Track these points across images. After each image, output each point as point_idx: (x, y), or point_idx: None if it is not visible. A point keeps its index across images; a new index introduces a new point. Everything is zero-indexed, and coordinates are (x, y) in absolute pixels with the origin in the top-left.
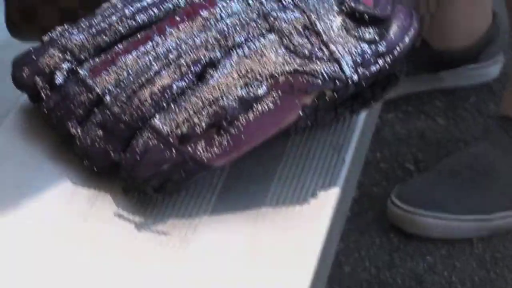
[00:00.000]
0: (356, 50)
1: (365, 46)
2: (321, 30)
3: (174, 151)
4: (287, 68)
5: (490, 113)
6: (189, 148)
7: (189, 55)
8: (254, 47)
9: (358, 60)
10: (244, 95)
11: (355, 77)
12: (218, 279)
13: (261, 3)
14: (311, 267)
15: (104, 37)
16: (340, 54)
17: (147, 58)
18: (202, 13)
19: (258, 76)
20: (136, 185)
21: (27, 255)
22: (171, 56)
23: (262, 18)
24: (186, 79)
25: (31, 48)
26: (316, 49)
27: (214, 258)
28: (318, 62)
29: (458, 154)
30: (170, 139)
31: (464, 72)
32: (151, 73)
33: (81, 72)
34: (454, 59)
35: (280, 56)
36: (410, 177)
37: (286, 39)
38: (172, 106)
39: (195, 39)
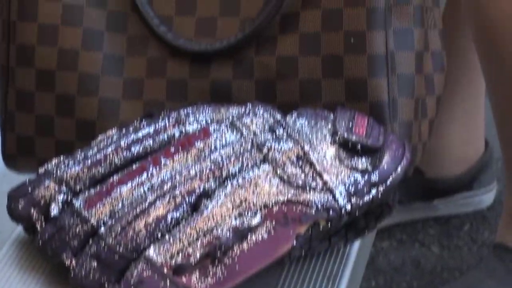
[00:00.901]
0: (349, 180)
1: (358, 176)
2: (314, 160)
3: (168, 282)
4: (281, 198)
5: (484, 241)
6: (184, 279)
7: (184, 186)
8: (248, 177)
9: (351, 189)
10: (238, 225)
11: (349, 206)
12: None
13: (254, 133)
14: None
15: (99, 168)
16: (333, 184)
17: (142, 189)
18: (196, 144)
19: (252, 206)
20: None
21: None
22: (166, 187)
23: (256, 148)
24: (180, 210)
25: (26, 180)
26: (310, 179)
27: None
28: (312, 192)
29: (452, 283)
30: (165, 270)
31: (458, 200)
32: (146, 204)
33: (76, 203)
34: (447, 187)
35: (274, 186)
36: None
37: (279, 169)
38: (167, 237)
39: (190, 170)
